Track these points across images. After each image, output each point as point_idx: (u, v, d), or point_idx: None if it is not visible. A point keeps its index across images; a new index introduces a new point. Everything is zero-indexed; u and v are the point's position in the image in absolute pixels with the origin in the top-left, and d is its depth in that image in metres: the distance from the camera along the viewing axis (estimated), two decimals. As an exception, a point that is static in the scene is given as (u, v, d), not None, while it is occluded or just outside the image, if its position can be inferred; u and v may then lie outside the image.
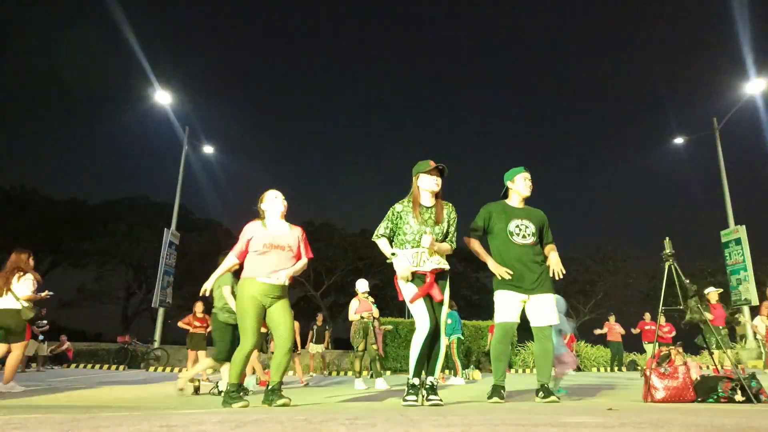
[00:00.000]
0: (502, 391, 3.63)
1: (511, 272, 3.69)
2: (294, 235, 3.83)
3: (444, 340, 3.34)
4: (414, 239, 3.38)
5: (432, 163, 3.47)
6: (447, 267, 3.45)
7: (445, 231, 3.48)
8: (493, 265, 3.74)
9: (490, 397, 3.59)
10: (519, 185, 3.90)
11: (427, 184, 3.48)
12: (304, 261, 3.83)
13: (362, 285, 7.37)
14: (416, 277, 3.38)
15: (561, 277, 3.76)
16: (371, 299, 7.27)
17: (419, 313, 3.30)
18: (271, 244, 3.68)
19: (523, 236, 3.78)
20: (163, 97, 17.90)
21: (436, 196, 3.54)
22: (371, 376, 7.93)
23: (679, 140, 20.34)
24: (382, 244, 3.50)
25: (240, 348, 3.53)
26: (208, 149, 20.49)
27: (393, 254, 3.40)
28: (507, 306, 3.70)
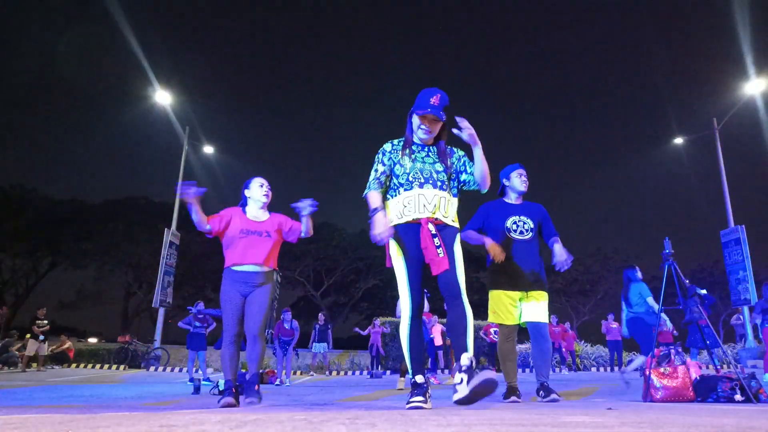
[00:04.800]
0: (518, 390, 3.64)
1: (506, 256, 3.66)
2: (274, 220, 3.71)
3: (468, 308, 2.61)
4: (408, 180, 2.72)
5: (426, 115, 2.73)
6: (451, 222, 2.75)
7: (456, 169, 2.84)
8: (490, 243, 3.65)
9: (506, 398, 3.59)
10: (514, 181, 3.92)
11: (416, 125, 2.79)
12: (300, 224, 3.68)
13: None
14: (405, 233, 2.69)
15: (565, 269, 3.74)
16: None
17: (401, 288, 2.68)
18: (247, 230, 3.58)
19: (521, 232, 3.77)
20: (163, 97, 17.91)
21: (437, 141, 2.88)
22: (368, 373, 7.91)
23: (679, 140, 20.35)
24: (371, 199, 2.75)
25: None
26: (208, 149, 20.50)
27: (375, 209, 2.68)
28: (504, 307, 3.70)
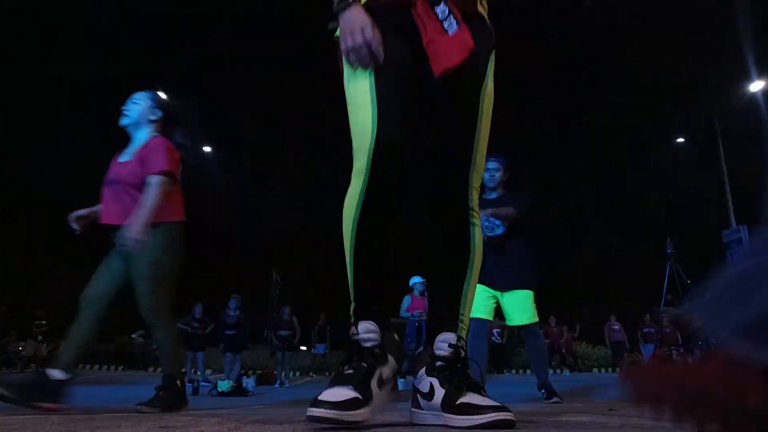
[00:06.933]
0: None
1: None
2: (138, 155, 2.52)
3: (478, 229, 1.42)
4: None
5: None
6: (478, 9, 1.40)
7: None
8: None
9: None
10: (484, 176, 3.75)
11: None
12: (148, 193, 2.42)
13: (416, 281, 7.39)
14: (384, 18, 1.30)
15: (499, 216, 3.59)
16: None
17: (355, 110, 1.33)
18: (105, 178, 2.62)
19: (491, 228, 3.63)
20: (163, 97, 17.96)
21: None
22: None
23: (679, 140, 20.37)
24: None
25: None
26: (208, 149, 20.53)
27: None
28: (479, 298, 3.47)
